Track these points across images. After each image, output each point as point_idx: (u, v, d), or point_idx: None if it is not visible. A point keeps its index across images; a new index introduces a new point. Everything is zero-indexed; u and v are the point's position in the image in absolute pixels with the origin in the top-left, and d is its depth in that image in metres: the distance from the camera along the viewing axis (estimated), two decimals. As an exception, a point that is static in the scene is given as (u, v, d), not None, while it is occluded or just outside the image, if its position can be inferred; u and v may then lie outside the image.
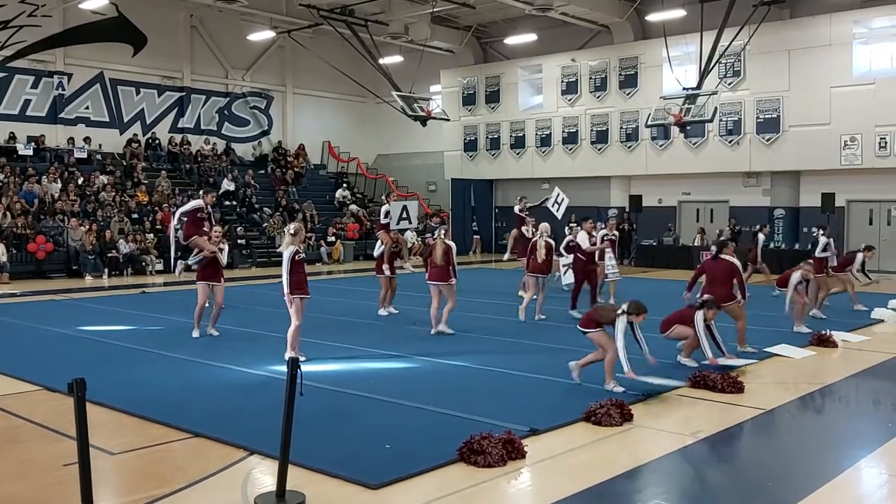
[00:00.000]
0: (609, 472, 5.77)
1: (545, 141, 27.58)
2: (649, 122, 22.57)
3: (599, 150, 26.34)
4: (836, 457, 6.34)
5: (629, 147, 25.67)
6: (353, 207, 29.02)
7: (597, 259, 13.75)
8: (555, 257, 13.50)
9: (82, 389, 4.47)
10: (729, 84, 23.08)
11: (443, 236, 11.72)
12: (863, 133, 21.07)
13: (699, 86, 20.71)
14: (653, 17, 23.33)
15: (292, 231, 9.72)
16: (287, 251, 9.46)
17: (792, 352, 10.25)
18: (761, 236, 17.64)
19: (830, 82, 21.53)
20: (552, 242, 13.28)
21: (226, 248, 11.74)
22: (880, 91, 20.78)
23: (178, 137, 28.11)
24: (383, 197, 15.47)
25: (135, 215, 23.08)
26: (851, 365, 9.84)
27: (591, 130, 26.46)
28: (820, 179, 22.65)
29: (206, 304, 11.30)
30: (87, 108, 26.28)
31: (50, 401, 7.81)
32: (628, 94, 25.56)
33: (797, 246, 22.83)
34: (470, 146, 29.68)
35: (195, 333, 11.21)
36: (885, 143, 20.78)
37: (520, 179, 29.15)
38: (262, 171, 29.15)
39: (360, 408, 7.52)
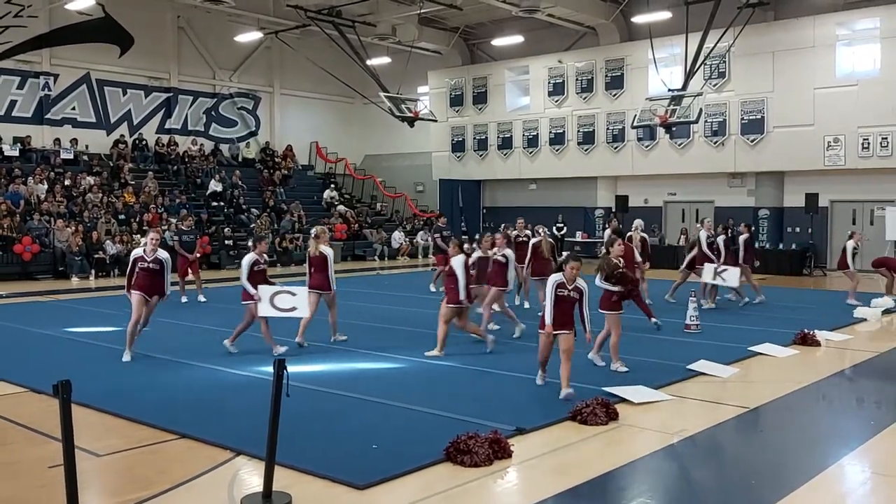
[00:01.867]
0: (594, 471, 5.81)
1: (532, 142, 27.65)
2: (635, 123, 22.70)
3: (586, 150, 26.43)
4: (820, 454, 6.41)
5: (615, 148, 25.77)
6: (341, 208, 29.00)
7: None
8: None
9: (68, 391, 4.47)
10: (714, 85, 23.22)
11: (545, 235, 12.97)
12: (846, 134, 21.25)
13: (684, 87, 20.84)
14: (638, 19, 23.43)
15: (315, 234, 10.83)
16: (329, 252, 10.56)
17: (775, 350, 10.35)
18: (850, 243, 15.71)
19: (814, 83, 21.70)
20: (645, 236, 14.21)
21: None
22: (863, 92, 20.96)
23: (165, 138, 28.00)
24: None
25: (122, 216, 22.97)
26: (834, 363, 9.95)
27: (578, 131, 26.55)
28: (804, 180, 22.83)
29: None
30: (73, 108, 26.14)
31: (36, 402, 7.78)
32: (614, 95, 25.67)
33: (781, 245, 23.04)
34: (457, 147, 29.71)
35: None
36: (868, 143, 20.97)
37: (507, 180, 29.22)
38: (248, 168, 29.13)
39: (347, 408, 7.53)
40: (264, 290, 9.65)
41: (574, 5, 23.76)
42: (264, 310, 9.63)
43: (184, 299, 15.44)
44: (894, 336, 12.20)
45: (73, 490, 4.47)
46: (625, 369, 8.95)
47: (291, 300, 9.60)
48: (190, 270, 15.97)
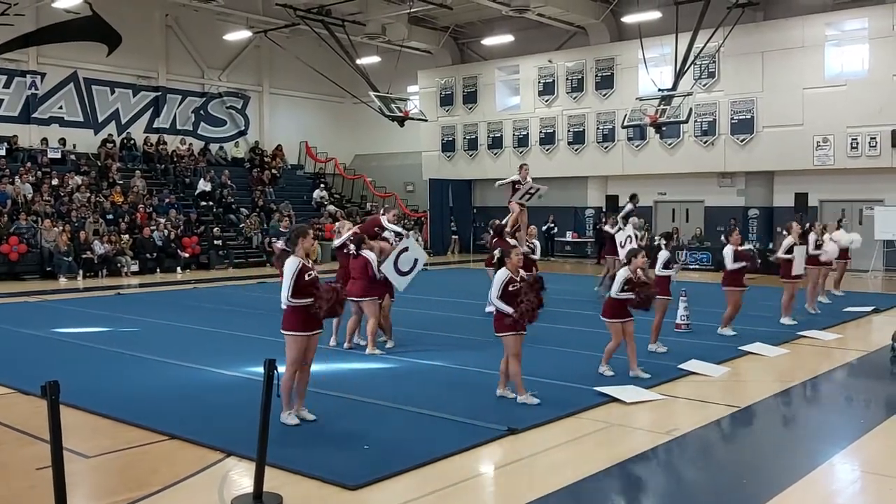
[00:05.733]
0: (586, 471, 5.80)
1: (522, 141, 27.67)
2: (625, 123, 22.77)
3: (576, 150, 26.47)
4: (810, 453, 6.43)
5: (605, 147, 25.82)
6: (331, 208, 28.90)
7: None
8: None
9: (56, 392, 4.44)
10: (704, 85, 23.29)
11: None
12: (835, 134, 21.36)
13: (674, 87, 20.90)
14: (628, 19, 23.47)
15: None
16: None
17: (766, 350, 10.39)
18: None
19: (803, 84, 21.80)
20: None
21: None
22: (851, 92, 21.07)
23: (153, 138, 27.86)
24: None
25: (110, 216, 22.84)
26: (824, 362, 9.98)
27: (568, 131, 26.58)
28: (793, 179, 22.93)
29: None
30: (60, 107, 25.96)
31: (24, 404, 7.72)
32: (604, 95, 25.71)
33: (771, 245, 23.12)
34: (447, 146, 29.70)
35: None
36: (857, 143, 21.08)
37: (497, 180, 29.15)
38: (237, 167, 29.08)
39: (338, 409, 7.50)
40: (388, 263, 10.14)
41: (564, 5, 23.80)
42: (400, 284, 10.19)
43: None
44: (884, 335, 12.25)
45: (61, 491, 4.44)
46: (664, 349, 10.04)
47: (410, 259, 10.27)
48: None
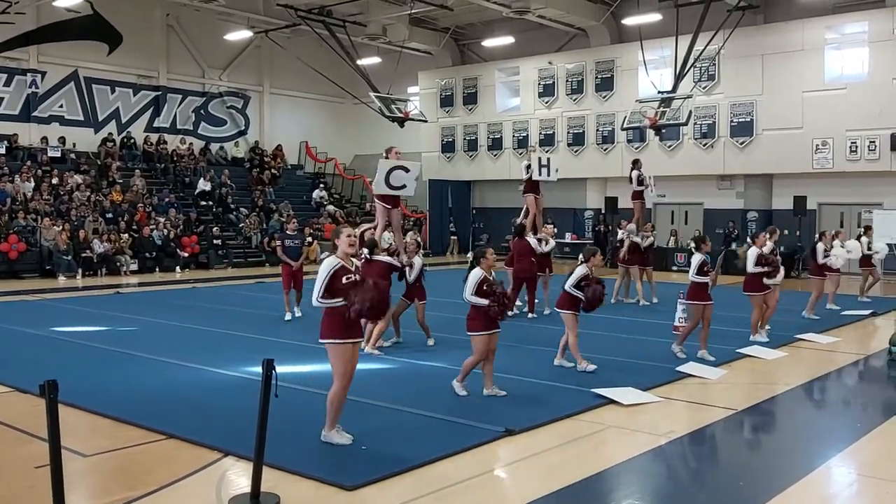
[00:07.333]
0: (584, 472, 5.81)
1: (522, 143, 27.68)
2: (625, 125, 22.81)
3: (576, 152, 26.49)
4: (807, 456, 6.44)
5: (605, 149, 25.85)
6: (330, 208, 28.92)
7: None
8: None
9: (54, 391, 4.44)
10: (703, 88, 23.31)
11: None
12: (834, 137, 21.40)
13: (674, 89, 20.92)
14: (629, 21, 23.51)
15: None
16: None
17: (763, 352, 10.40)
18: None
19: (803, 87, 21.84)
20: (638, 241, 14.88)
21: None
22: (851, 96, 21.10)
23: (153, 137, 27.88)
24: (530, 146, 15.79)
25: (109, 215, 22.86)
26: (822, 366, 9.98)
27: (568, 133, 26.61)
28: (792, 182, 22.96)
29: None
30: (61, 106, 25.98)
31: (22, 402, 7.73)
32: (604, 96, 25.74)
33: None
34: (447, 147, 29.72)
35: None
36: (856, 147, 21.11)
37: (497, 181, 29.24)
38: (237, 167, 29.08)
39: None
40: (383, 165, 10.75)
41: (565, 7, 23.83)
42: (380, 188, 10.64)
43: (287, 316, 13.37)
44: (881, 338, 12.27)
45: (59, 490, 4.44)
46: (712, 358, 9.62)
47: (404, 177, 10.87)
48: (293, 281, 13.39)
